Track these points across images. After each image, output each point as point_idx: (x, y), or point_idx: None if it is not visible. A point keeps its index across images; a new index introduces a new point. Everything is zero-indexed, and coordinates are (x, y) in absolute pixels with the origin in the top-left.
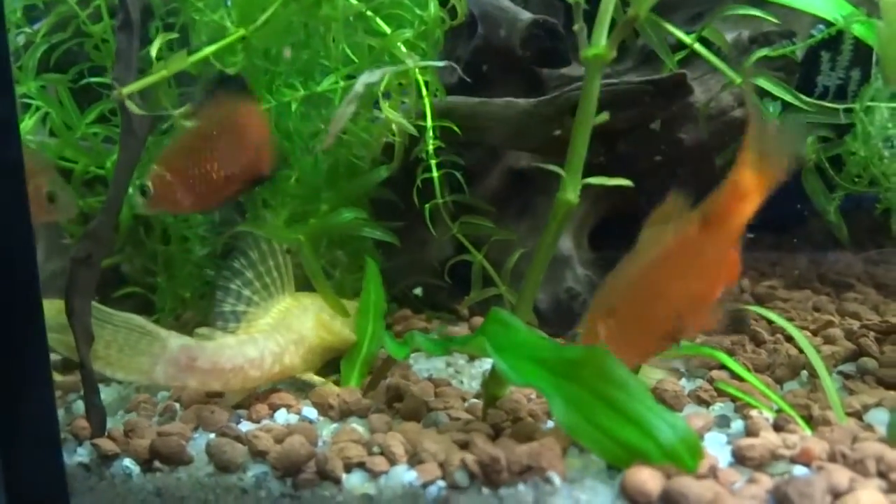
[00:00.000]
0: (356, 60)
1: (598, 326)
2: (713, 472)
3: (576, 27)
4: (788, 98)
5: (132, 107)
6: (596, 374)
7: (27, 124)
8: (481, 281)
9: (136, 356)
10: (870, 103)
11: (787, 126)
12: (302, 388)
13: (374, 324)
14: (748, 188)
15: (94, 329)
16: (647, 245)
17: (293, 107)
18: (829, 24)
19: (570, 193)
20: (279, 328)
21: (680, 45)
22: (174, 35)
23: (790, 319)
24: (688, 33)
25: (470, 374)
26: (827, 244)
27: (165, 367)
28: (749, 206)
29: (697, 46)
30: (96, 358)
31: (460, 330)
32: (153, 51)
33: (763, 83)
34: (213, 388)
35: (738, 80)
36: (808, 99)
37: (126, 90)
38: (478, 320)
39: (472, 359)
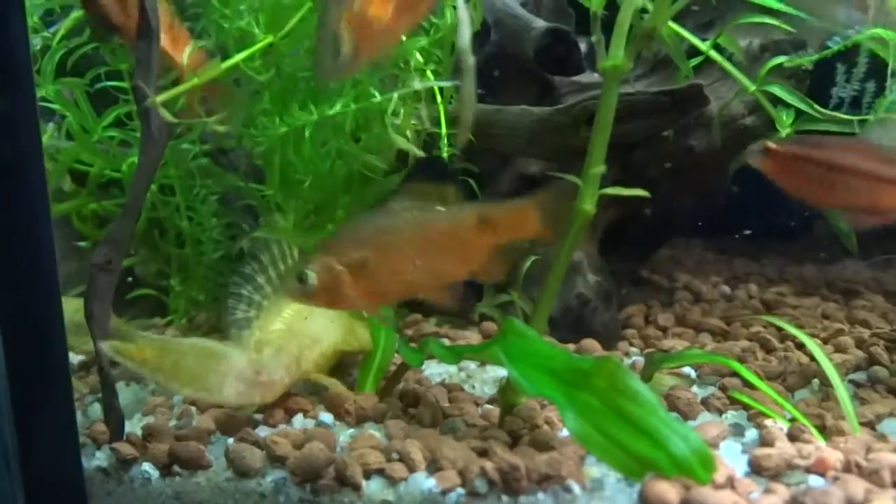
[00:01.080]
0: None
1: (338, 267)
2: (731, 482)
3: (594, 38)
4: (802, 106)
5: (166, 115)
6: (608, 385)
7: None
8: (493, 287)
9: (204, 374)
10: (885, 115)
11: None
12: (315, 392)
13: (386, 335)
14: (528, 219)
15: (163, 346)
16: (405, 210)
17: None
18: (843, 35)
19: (588, 204)
20: (293, 333)
21: (692, 53)
22: (204, 42)
23: (800, 327)
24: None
25: (482, 380)
26: (834, 250)
27: (236, 384)
28: (522, 231)
29: (712, 53)
30: (160, 370)
31: (471, 335)
32: (184, 57)
33: (777, 90)
34: (267, 401)
35: (752, 87)
36: (821, 109)
37: (160, 98)
38: (488, 325)
39: (483, 363)
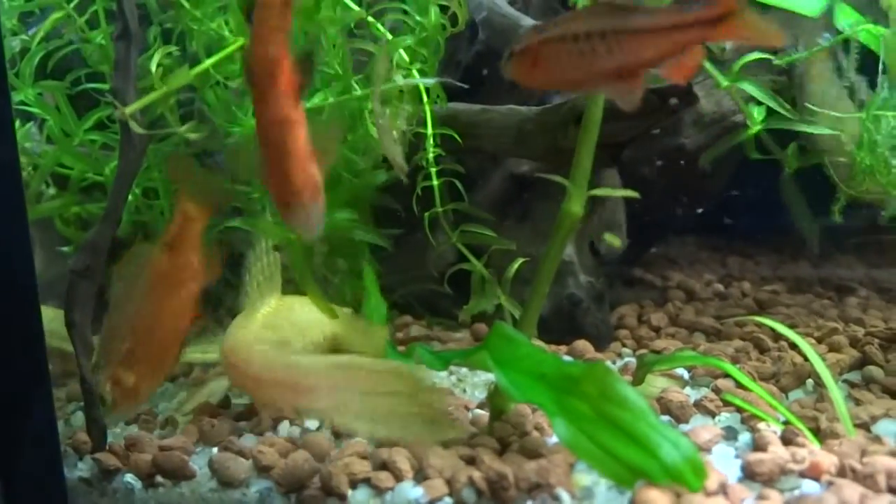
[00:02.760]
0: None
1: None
2: (723, 489)
3: None
4: (772, 104)
5: (134, 126)
6: (598, 391)
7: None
8: (481, 290)
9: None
10: (877, 112)
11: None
12: None
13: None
14: (192, 214)
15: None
16: (131, 282)
17: None
18: (835, 32)
19: (576, 205)
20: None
21: None
22: (173, 48)
23: (793, 326)
24: None
25: (472, 383)
26: (828, 246)
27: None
28: (196, 227)
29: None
30: (361, 418)
31: (461, 336)
32: (153, 65)
33: (748, 87)
34: None
35: (725, 82)
36: (789, 107)
37: (129, 109)
38: (479, 327)
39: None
